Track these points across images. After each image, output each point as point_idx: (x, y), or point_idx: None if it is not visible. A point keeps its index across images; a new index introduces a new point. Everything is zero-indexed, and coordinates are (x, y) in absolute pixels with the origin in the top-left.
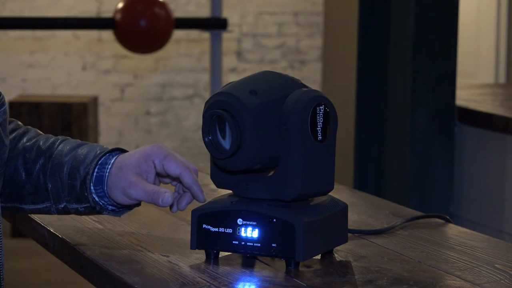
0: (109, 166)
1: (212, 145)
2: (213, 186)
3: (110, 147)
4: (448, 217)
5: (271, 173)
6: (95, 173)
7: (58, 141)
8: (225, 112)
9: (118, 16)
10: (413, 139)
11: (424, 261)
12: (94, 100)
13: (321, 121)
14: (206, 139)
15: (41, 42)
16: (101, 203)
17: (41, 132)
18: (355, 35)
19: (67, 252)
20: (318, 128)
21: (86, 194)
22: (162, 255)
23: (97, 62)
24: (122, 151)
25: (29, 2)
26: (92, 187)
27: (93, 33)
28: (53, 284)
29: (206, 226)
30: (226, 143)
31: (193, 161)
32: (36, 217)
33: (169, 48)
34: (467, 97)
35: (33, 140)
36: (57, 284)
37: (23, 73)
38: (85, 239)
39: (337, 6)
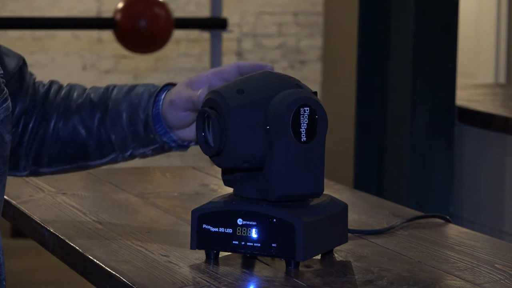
0: (161, 103)
1: (203, 142)
2: (213, 186)
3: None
4: (448, 217)
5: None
6: (153, 113)
7: (109, 91)
8: (211, 110)
9: (118, 16)
10: (413, 139)
11: (424, 261)
12: None
13: (306, 122)
14: (198, 135)
15: (41, 42)
16: (166, 141)
17: (85, 86)
18: (355, 35)
19: (67, 252)
20: (302, 130)
21: (152, 135)
22: (162, 255)
23: (97, 62)
24: (173, 85)
25: (29, 2)
26: (155, 127)
27: (93, 33)
28: (53, 284)
29: (206, 226)
30: (213, 141)
31: (193, 161)
32: (36, 217)
33: (169, 48)
34: (467, 97)
35: (84, 96)
36: (57, 284)
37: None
38: (85, 239)
39: (337, 6)
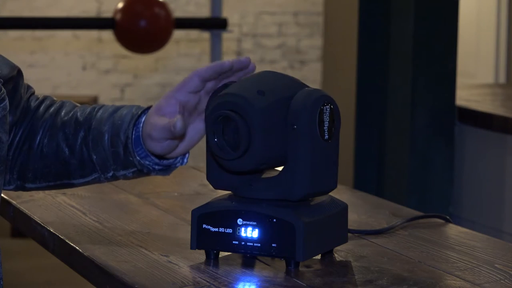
0: (141, 125)
1: (218, 147)
2: None
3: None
4: (448, 217)
5: (276, 172)
6: (133, 135)
7: (95, 110)
8: (233, 113)
9: (118, 16)
10: (413, 139)
11: (424, 261)
12: (94, 100)
13: (328, 120)
14: (212, 140)
15: (41, 42)
16: (146, 164)
17: (77, 104)
18: (355, 35)
19: (67, 252)
20: (325, 127)
21: (131, 158)
22: (162, 255)
23: (97, 62)
24: None
25: (29, 2)
26: (135, 150)
27: (93, 33)
28: (53, 284)
29: (206, 226)
30: (232, 144)
31: (193, 161)
32: (36, 217)
33: (169, 48)
34: (467, 97)
35: (70, 114)
36: (57, 284)
37: (23, 73)
38: (85, 239)
39: (337, 6)
